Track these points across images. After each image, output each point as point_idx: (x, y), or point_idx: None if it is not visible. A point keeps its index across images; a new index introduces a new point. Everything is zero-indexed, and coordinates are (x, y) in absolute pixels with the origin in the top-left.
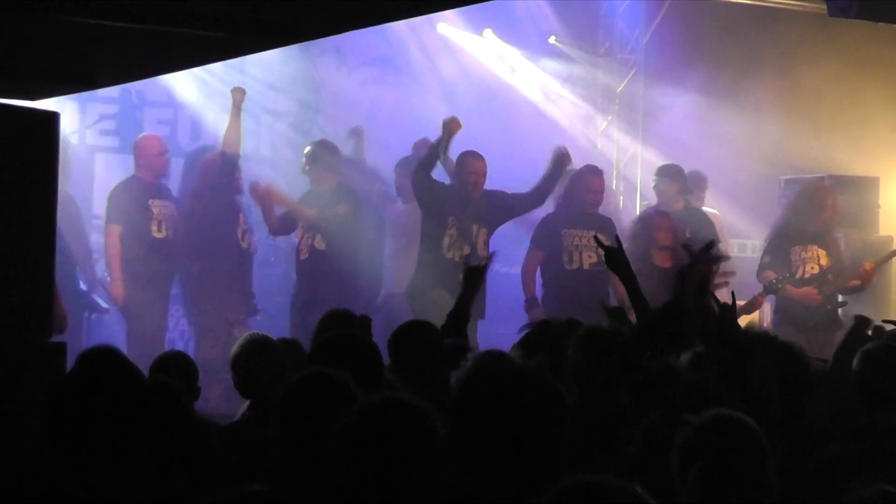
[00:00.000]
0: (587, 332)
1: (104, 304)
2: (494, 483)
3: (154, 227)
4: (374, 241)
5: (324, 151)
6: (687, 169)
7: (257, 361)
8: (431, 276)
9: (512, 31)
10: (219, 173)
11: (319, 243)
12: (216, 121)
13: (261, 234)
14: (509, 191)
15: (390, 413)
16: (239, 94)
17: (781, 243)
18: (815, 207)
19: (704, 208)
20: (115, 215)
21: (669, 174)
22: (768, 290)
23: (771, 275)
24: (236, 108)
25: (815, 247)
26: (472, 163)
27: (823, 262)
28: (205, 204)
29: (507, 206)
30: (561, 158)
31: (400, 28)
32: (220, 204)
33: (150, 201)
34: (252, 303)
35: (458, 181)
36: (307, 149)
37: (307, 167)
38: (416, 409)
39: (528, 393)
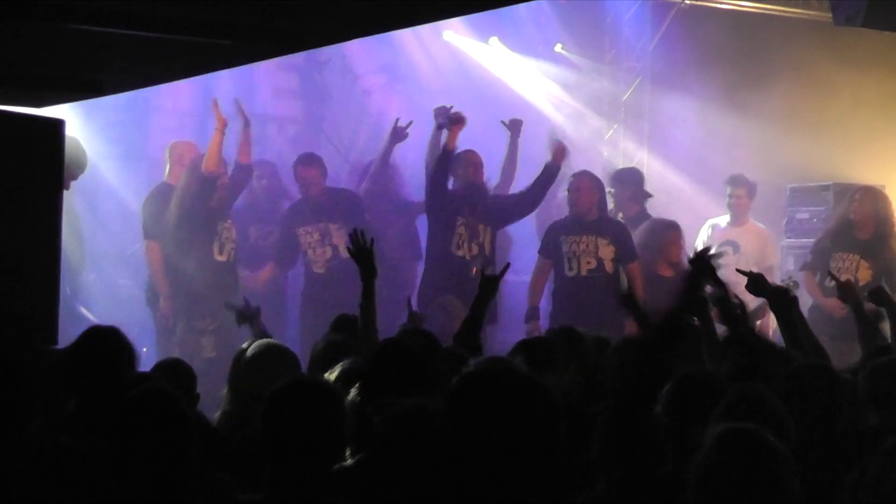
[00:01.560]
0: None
1: (92, 317)
2: (487, 485)
3: None
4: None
5: (294, 167)
6: (727, 175)
7: (270, 367)
8: (440, 275)
9: (517, 39)
10: (196, 192)
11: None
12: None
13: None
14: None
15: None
16: (221, 123)
17: (828, 246)
18: (852, 208)
19: (753, 221)
20: (152, 229)
21: (621, 179)
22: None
23: (806, 276)
24: (219, 133)
25: (858, 257)
26: (467, 156)
27: (862, 275)
28: (182, 219)
29: (507, 211)
30: (551, 166)
31: (405, 36)
32: (195, 220)
33: None
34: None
35: (461, 178)
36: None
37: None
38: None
39: (517, 395)
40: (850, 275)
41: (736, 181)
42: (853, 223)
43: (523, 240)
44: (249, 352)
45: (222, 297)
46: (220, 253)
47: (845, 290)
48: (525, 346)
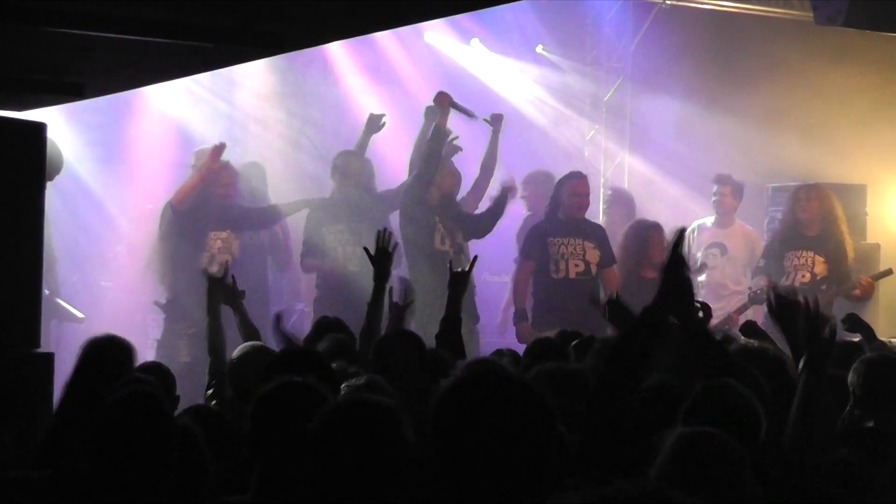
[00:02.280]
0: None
1: (79, 314)
2: (476, 493)
3: None
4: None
5: (340, 162)
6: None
7: (253, 369)
8: (427, 272)
9: (499, 40)
10: (171, 222)
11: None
12: (204, 131)
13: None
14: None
15: (355, 415)
16: (206, 170)
17: (778, 247)
18: (799, 207)
19: (740, 221)
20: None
21: (533, 181)
22: (752, 300)
23: (762, 281)
24: (198, 176)
25: (812, 252)
26: (446, 166)
27: (818, 269)
28: (170, 237)
29: (469, 228)
30: (504, 196)
31: (387, 37)
32: (181, 239)
33: None
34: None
35: (437, 186)
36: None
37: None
38: (383, 410)
39: (510, 401)
40: (806, 271)
41: (722, 180)
42: (801, 222)
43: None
44: (234, 354)
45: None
46: (210, 264)
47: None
48: (536, 347)
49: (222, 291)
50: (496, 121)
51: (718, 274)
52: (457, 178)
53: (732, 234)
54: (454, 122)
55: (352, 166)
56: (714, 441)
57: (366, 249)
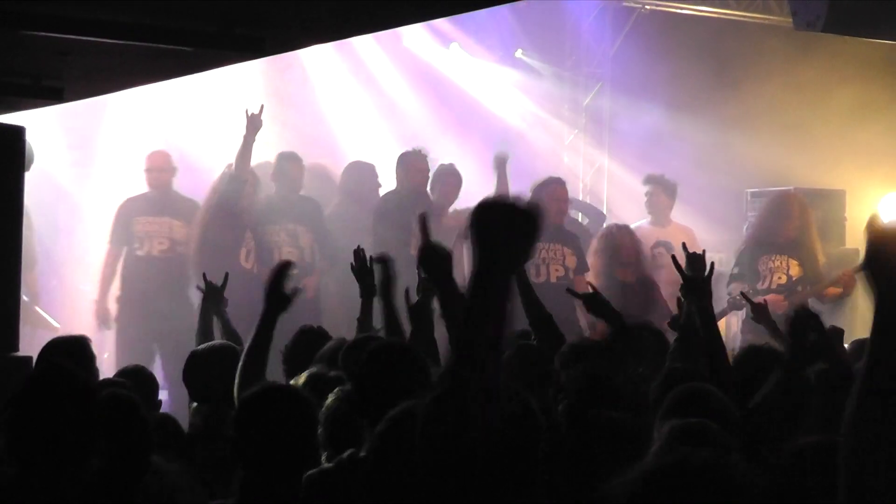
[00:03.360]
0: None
1: (55, 323)
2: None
3: (136, 245)
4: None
5: (280, 163)
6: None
7: (214, 369)
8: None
9: (478, 45)
10: (223, 193)
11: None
12: (182, 135)
13: None
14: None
15: None
16: (253, 124)
17: (751, 253)
18: (781, 216)
19: (676, 222)
20: (110, 235)
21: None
22: (732, 306)
23: (737, 287)
24: (250, 135)
25: (786, 256)
26: (413, 161)
27: (794, 272)
28: (210, 223)
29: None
30: (499, 162)
31: (366, 42)
32: (224, 224)
33: (135, 218)
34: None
35: (403, 183)
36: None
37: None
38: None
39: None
40: (782, 273)
41: (653, 180)
42: (775, 228)
43: None
44: (197, 351)
45: (247, 304)
46: (246, 260)
47: (758, 312)
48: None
49: (217, 301)
50: (500, 164)
51: (668, 272)
52: (425, 172)
53: (674, 233)
54: (428, 127)
55: (292, 170)
56: (709, 431)
57: (351, 266)
